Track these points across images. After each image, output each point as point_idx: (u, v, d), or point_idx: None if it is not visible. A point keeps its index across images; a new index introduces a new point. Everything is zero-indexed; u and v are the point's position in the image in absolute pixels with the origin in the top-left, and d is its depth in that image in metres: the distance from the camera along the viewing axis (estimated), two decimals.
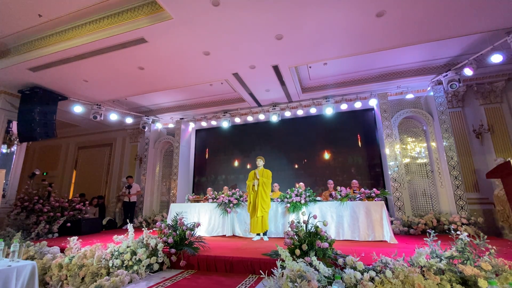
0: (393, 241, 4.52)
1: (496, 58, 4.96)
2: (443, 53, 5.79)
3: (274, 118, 7.66)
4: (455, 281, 2.20)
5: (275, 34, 4.66)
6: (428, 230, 2.93)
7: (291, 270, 2.37)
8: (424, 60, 6.10)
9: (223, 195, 6.00)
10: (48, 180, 9.34)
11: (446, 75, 5.83)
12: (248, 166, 8.59)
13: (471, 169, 6.17)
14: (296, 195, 5.42)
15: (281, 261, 2.58)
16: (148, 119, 8.63)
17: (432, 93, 6.48)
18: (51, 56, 5.20)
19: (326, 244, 3.12)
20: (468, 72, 5.38)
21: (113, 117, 7.86)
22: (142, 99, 8.00)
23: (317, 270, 2.47)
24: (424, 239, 2.90)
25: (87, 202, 7.73)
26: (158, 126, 9.01)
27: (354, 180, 6.37)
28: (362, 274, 2.38)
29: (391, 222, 5.46)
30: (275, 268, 2.49)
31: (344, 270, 2.49)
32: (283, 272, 2.40)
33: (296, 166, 8.20)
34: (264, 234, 5.26)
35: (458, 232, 2.60)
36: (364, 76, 6.74)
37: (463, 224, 5.32)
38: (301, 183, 6.45)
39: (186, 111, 8.51)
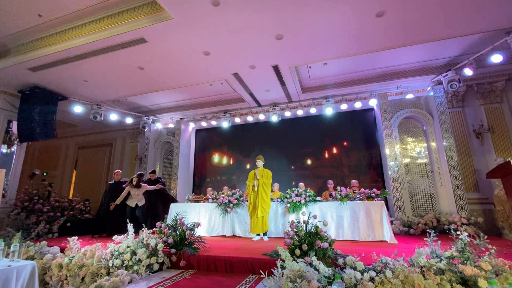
0: (393, 241, 4.52)
1: (496, 58, 4.95)
2: (443, 53, 5.79)
3: (274, 118, 7.66)
4: (455, 281, 2.20)
5: (275, 34, 4.66)
6: (428, 230, 2.93)
7: (291, 270, 2.37)
8: (424, 60, 6.10)
9: (223, 195, 6.00)
10: (48, 180, 9.34)
11: (446, 75, 5.83)
12: (248, 166, 8.59)
13: (471, 169, 6.17)
14: (296, 195, 5.41)
15: (281, 261, 2.58)
16: (148, 119, 8.62)
17: (432, 93, 6.47)
18: (51, 56, 5.20)
19: (326, 244, 3.12)
20: (468, 72, 5.38)
21: (113, 117, 7.86)
22: (142, 99, 8.00)
23: (317, 270, 2.47)
24: (424, 239, 2.89)
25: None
26: (158, 126, 9.01)
27: (354, 180, 6.36)
28: (362, 274, 2.38)
29: (391, 222, 5.46)
30: (275, 268, 2.49)
31: (344, 270, 2.49)
32: (283, 272, 2.40)
33: (296, 166, 8.20)
34: (264, 234, 5.26)
35: (458, 232, 2.60)
36: (364, 76, 6.74)
37: (463, 224, 5.32)
38: (301, 183, 6.45)
39: (186, 111, 8.51)
